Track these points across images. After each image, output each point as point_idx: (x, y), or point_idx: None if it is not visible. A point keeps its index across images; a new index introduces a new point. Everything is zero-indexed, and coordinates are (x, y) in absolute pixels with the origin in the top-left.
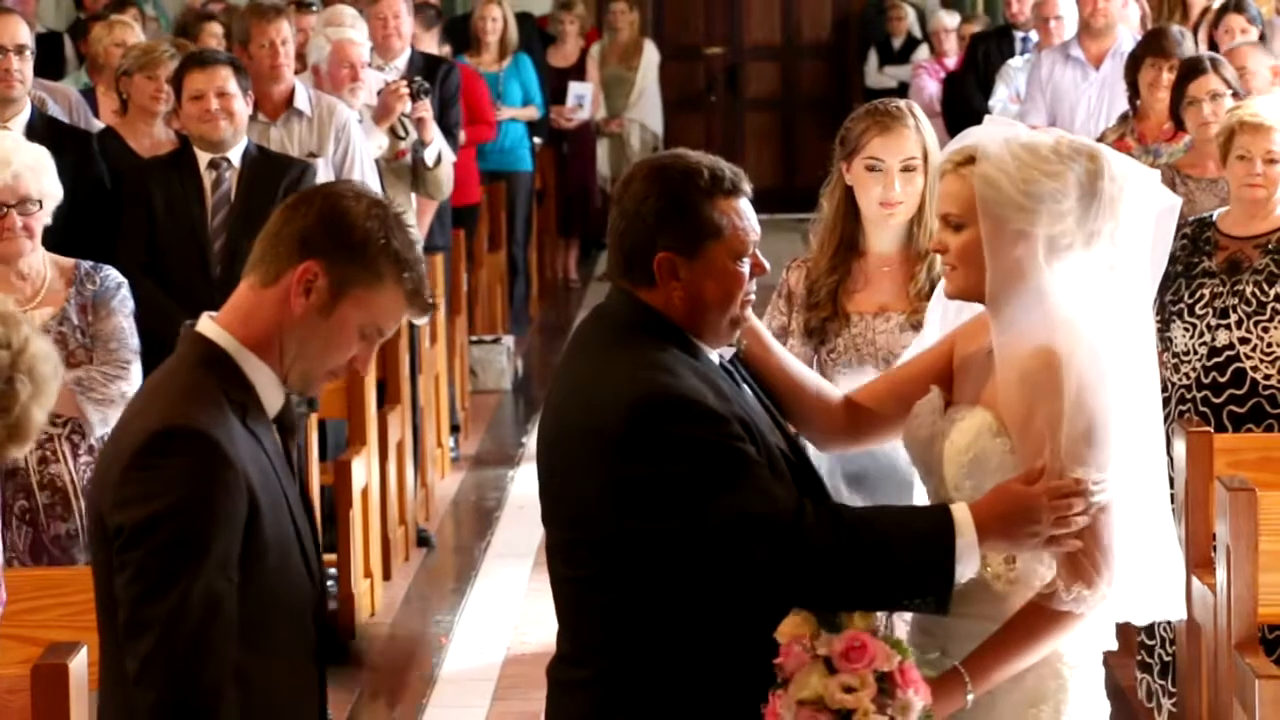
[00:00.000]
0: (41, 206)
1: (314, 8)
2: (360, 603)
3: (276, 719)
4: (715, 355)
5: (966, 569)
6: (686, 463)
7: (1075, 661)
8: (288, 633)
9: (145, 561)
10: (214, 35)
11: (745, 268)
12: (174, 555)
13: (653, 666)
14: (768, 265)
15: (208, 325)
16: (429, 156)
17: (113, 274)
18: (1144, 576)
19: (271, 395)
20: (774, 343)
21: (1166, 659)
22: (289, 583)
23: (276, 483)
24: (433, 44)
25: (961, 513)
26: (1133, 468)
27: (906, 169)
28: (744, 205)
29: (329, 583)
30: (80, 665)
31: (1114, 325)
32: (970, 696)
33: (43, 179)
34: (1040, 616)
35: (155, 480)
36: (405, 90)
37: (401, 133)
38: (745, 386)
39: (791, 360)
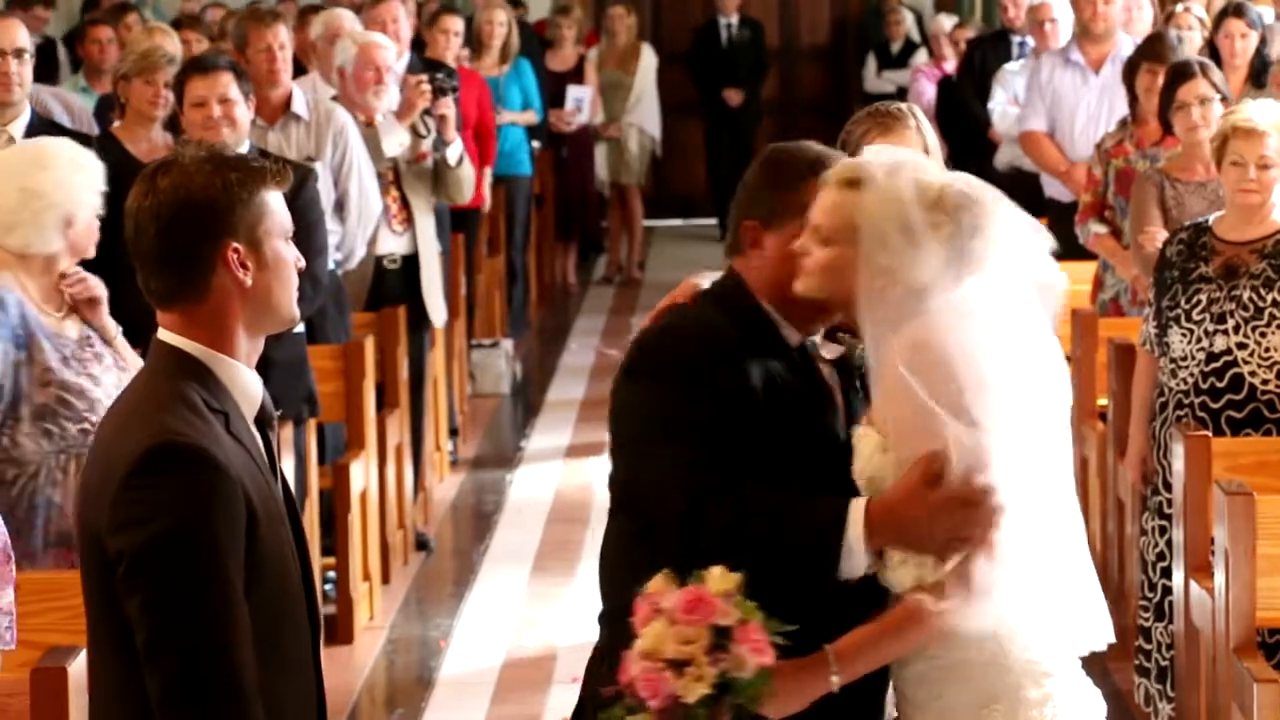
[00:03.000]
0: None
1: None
2: (359, 606)
3: None
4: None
5: (854, 564)
6: (646, 411)
7: (1030, 662)
8: (291, 641)
9: (157, 586)
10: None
11: None
12: (185, 577)
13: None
14: None
15: (174, 338)
16: (451, 156)
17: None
18: (1061, 602)
19: (249, 394)
20: None
21: (1164, 663)
22: (288, 590)
23: (267, 488)
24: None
25: (857, 511)
26: (1037, 490)
27: None
28: None
29: (327, 586)
30: (79, 668)
31: (994, 340)
32: (835, 679)
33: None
34: (912, 613)
35: (153, 501)
36: (427, 86)
37: (423, 130)
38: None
39: None
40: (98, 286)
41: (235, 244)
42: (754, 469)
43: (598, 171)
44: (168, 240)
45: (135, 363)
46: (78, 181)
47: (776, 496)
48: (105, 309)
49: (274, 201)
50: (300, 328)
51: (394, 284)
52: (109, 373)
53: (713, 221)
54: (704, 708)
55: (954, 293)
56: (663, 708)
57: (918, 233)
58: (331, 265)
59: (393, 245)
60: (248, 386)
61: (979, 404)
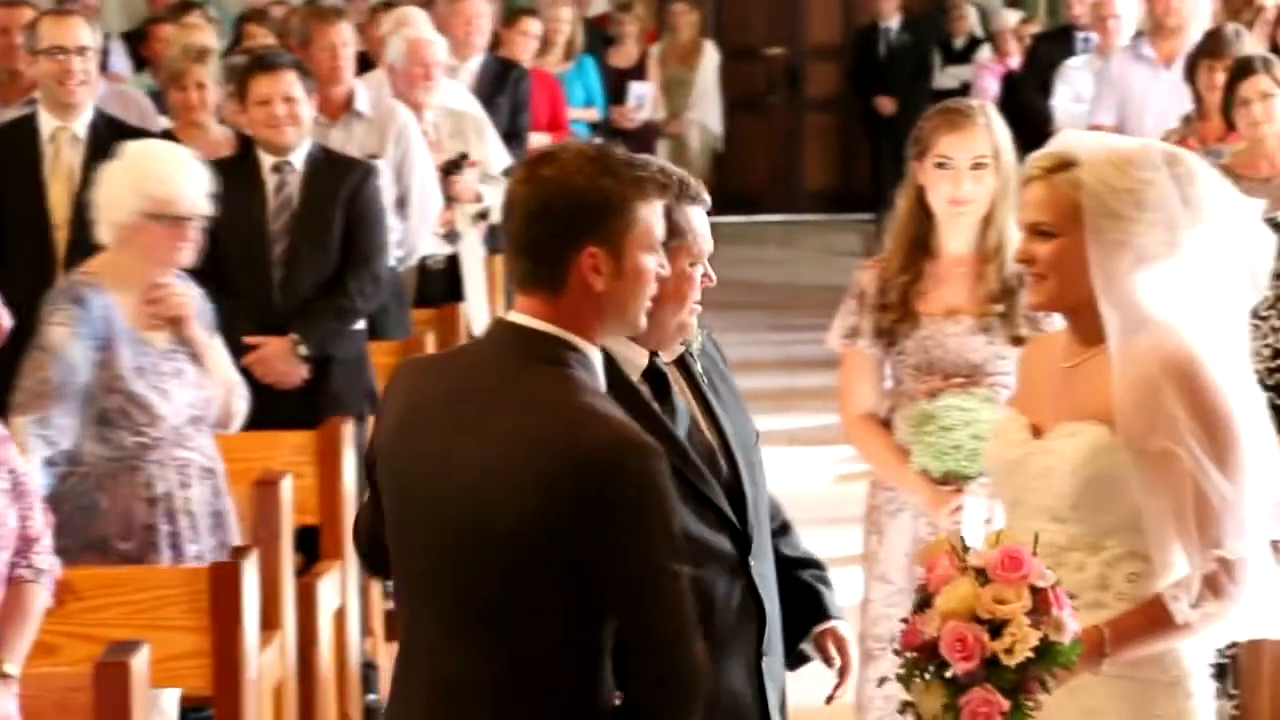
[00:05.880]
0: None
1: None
2: None
3: None
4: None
5: None
6: None
7: (1201, 681)
8: None
9: (652, 582)
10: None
11: None
12: (670, 569)
13: None
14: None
15: (534, 321)
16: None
17: (195, 288)
18: (1263, 594)
19: (603, 379)
20: None
21: (1223, 661)
22: None
23: None
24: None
25: None
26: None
27: (976, 167)
28: None
29: (388, 582)
30: (141, 664)
31: (1212, 332)
32: (1105, 662)
33: (205, 195)
34: (1162, 610)
35: (631, 500)
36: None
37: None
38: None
39: None
40: (184, 304)
41: (594, 248)
42: None
43: None
44: (532, 229)
45: (223, 381)
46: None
47: None
48: (194, 324)
49: (648, 214)
50: (361, 324)
51: (438, 284)
52: (185, 390)
53: (776, 217)
54: (1016, 673)
55: (1171, 302)
56: (973, 671)
57: (1141, 192)
58: (392, 262)
59: (435, 245)
60: (602, 372)
61: (1232, 452)
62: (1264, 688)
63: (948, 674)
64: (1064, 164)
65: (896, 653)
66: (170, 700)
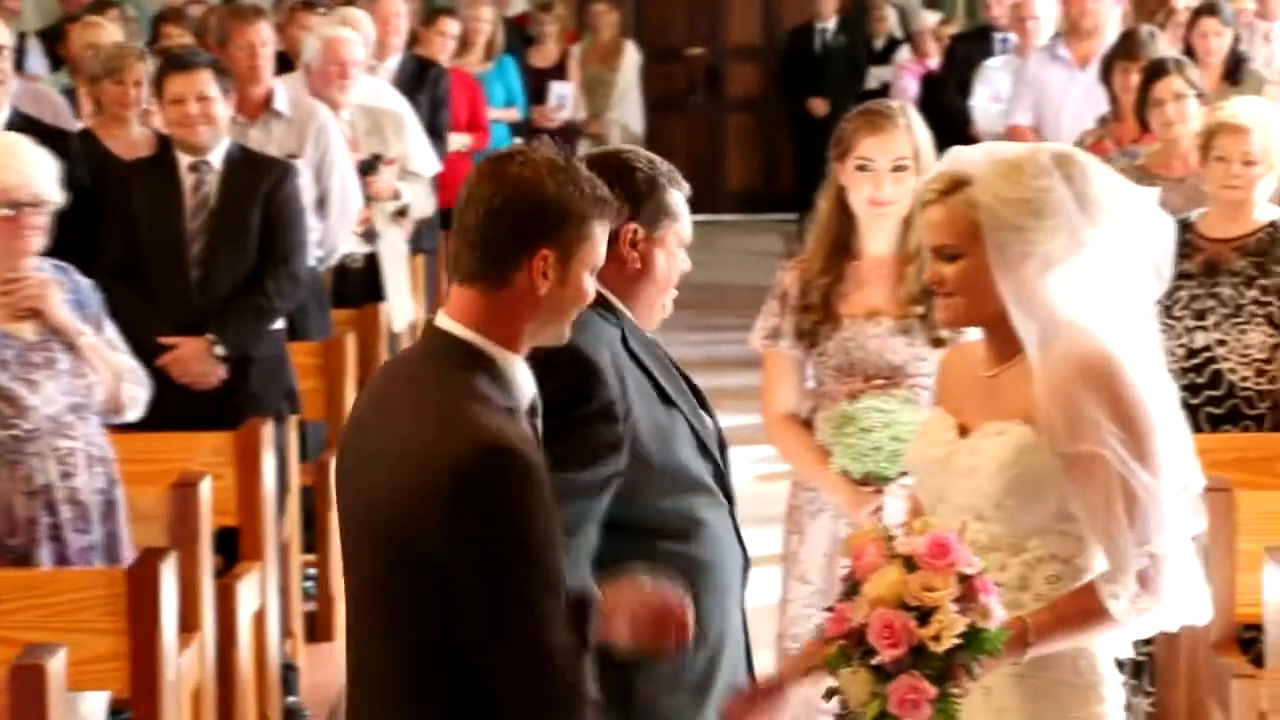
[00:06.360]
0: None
1: (320, 10)
2: (340, 604)
3: None
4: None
5: None
6: None
7: (1114, 687)
8: None
9: (509, 594)
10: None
11: None
12: (535, 583)
13: None
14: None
15: (458, 328)
16: (412, 211)
17: (83, 279)
18: (1186, 587)
19: (527, 388)
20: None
21: (1139, 659)
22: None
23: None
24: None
25: None
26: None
27: (897, 169)
28: None
29: (308, 584)
30: (58, 666)
31: (1123, 325)
32: (1029, 652)
33: (53, 182)
34: (1096, 604)
35: (494, 510)
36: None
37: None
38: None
39: None
40: (38, 295)
41: (548, 251)
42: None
43: None
44: (491, 223)
45: (106, 366)
46: None
47: None
48: (57, 313)
49: (600, 234)
50: (280, 324)
51: (356, 284)
52: (58, 379)
53: (698, 217)
54: (943, 661)
55: (1083, 301)
56: (900, 658)
57: (1037, 201)
58: (312, 262)
59: (354, 245)
60: (525, 381)
61: (1153, 449)
62: (1180, 685)
63: (874, 661)
64: (956, 184)
65: (825, 641)
66: (97, 703)
